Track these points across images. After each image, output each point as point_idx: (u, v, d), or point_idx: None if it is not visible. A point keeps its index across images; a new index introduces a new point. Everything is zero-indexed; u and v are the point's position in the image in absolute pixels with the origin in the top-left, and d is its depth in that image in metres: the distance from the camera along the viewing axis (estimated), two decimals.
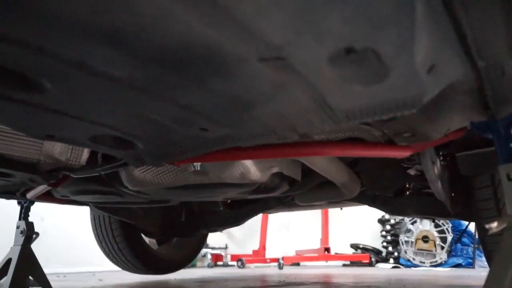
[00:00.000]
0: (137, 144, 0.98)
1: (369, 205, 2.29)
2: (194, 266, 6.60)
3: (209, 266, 7.29)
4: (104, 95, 0.70)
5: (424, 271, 4.73)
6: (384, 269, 5.43)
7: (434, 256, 5.70)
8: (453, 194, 1.88)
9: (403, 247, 5.96)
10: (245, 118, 0.79)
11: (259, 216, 4.09)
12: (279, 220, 7.97)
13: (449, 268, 5.41)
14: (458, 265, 5.57)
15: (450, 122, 0.99)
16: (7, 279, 2.00)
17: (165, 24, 0.49)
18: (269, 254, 7.20)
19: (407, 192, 2.23)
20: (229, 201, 2.94)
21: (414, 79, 0.64)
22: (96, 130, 0.88)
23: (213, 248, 7.51)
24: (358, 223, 7.17)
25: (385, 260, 6.40)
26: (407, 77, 0.63)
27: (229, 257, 7.33)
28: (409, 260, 5.87)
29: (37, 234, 2.18)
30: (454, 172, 1.77)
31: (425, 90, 0.68)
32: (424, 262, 5.71)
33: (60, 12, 0.47)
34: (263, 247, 7.31)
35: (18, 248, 2.08)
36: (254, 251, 7.36)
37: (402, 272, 4.57)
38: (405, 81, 0.64)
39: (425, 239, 5.74)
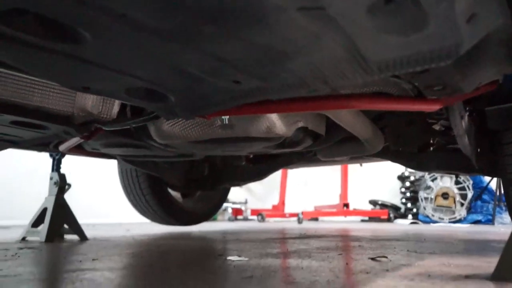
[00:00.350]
0: (170, 97, 1.00)
1: (392, 160, 2.29)
2: (215, 219, 6.80)
3: (229, 220, 7.51)
4: (142, 47, 0.71)
5: (443, 227, 4.78)
6: (403, 225, 5.51)
7: (454, 212, 5.74)
8: (478, 150, 1.87)
9: (422, 204, 6.01)
10: (278, 70, 0.80)
11: (279, 171, 4.15)
12: (298, 176, 8.07)
13: (468, 225, 5.45)
14: (477, 222, 5.61)
15: (483, 75, 0.97)
16: (44, 226, 2.11)
17: None
18: (288, 209, 7.36)
19: (431, 148, 2.23)
20: (251, 156, 2.99)
21: (452, 29, 0.63)
22: (131, 82, 0.90)
23: (233, 203, 7.70)
24: (377, 180, 7.21)
25: (404, 216, 6.48)
26: (445, 27, 0.62)
27: (249, 211, 7.52)
28: (427, 216, 5.92)
29: (69, 185, 2.27)
30: (480, 127, 1.75)
31: (463, 40, 0.67)
32: (443, 218, 5.76)
33: None
34: (282, 202, 7.45)
35: (53, 198, 2.18)
36: (273, 206, 7.52)
37: (421, 227, 4.63)
38: (443, 30, 0.63)
39: (445, 196, 5.76)
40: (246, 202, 8.45)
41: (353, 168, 6.88)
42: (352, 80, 0.83)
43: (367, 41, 0.68)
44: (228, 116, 1.35)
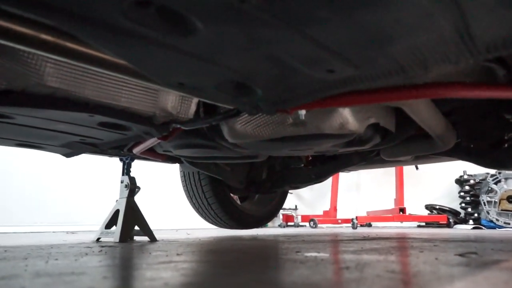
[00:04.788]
0: (257, 90, 1.01)
1: (463, 159, 2.20)
2: (265, 226, 6.80)
3: (280, 226, 7.49)
4: (245, 33, 0.72)
5: (509, 231, 4.52)
6: (464, 230, 5.26)
7: None
8: None
9: (485, 208, 5.70)
10: (377, 55, 0.79)
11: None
12: (348, 181, 7.93)
13: None
14: None
15: None
16: (117, 228, 2.20)
17: None
18: (339, 215, 7.24)
19: (506, 144, 2.12)
20: (310, 158, 2.98)
21: None
22: (224, 76, 0.92)
23: (283, 209, 7.67)
24: (433, 184, 6.94)
25: (464, 222, 6.17)
26: None
27: (299, 217, 7.47)
28: (491, 221, 5.62)
29: (139, 188, 2.35)
30: None
31: None
32: (509, 223, 5.44)
33: None
34: (334, 208, 7.34)
35: (124, 200, 2.26)
36: (325, 212, 7.42)
37: (484, 232, 4.39)
38: None
39: (511, 199, 5.45)
40: (296, 208, 8.41)
41: (408, 172, 6.67)
42: (454, 63, 0.80)
43: (480, 18, 0.66)
44: (305, 112, 1.35)
